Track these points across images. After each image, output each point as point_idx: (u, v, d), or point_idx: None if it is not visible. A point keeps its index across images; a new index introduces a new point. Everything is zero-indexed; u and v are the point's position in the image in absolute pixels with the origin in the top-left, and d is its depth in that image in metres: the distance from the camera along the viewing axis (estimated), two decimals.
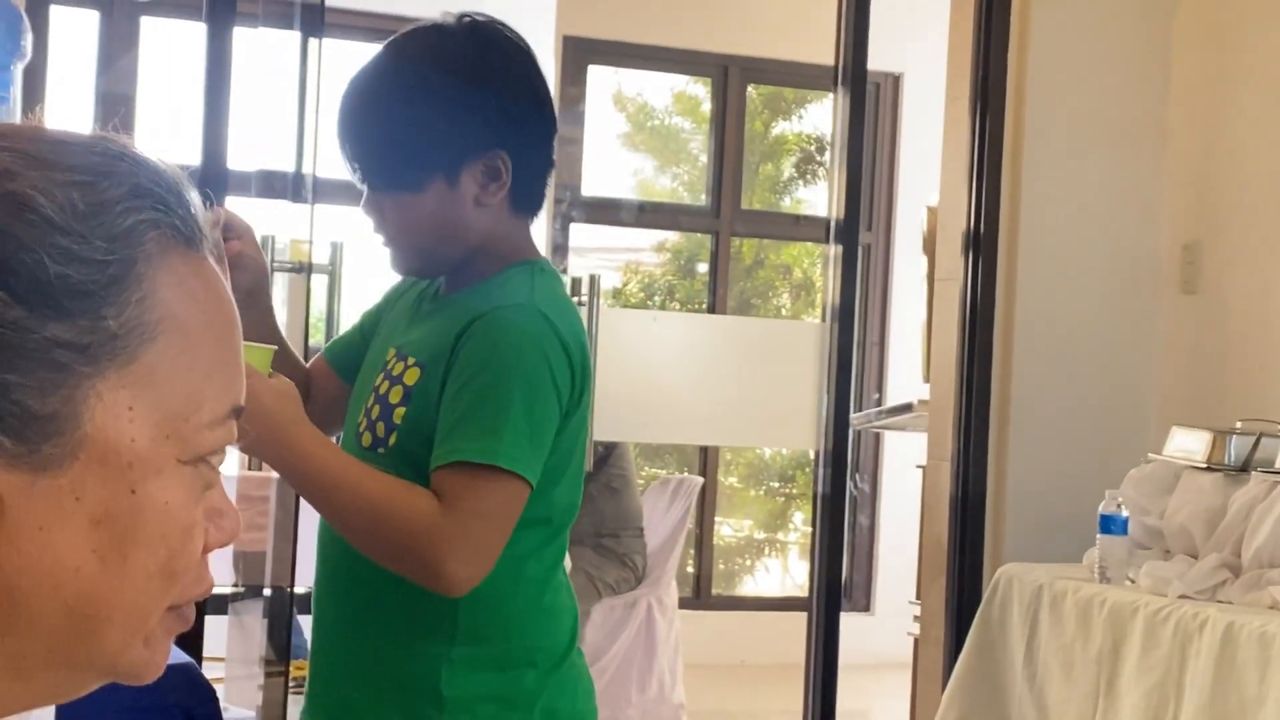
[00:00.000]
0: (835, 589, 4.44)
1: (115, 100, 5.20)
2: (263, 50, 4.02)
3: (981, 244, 4.43)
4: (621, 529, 5.66)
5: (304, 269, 3.83)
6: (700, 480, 6.44)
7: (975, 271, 4.45)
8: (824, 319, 4.46)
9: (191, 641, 3.50)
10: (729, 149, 7.69)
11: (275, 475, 3.93)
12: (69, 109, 5.57)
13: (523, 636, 1.94)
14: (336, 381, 2.11)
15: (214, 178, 3.62)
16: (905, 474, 6.51)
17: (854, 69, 4.42)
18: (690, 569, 7.68)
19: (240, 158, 3.83)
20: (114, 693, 2.40)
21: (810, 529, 4.73)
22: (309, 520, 2.60)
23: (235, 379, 0.87)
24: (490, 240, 1.96)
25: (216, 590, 4.27)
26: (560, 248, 6.99)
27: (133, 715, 2.38)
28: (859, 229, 4.56)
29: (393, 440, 1.91)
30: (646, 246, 8.31)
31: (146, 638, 0.85)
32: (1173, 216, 4.53)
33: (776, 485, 8.58)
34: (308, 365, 2.17)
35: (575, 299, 4.14)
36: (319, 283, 3.89)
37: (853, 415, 4.63)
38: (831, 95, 4.54)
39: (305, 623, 5.84)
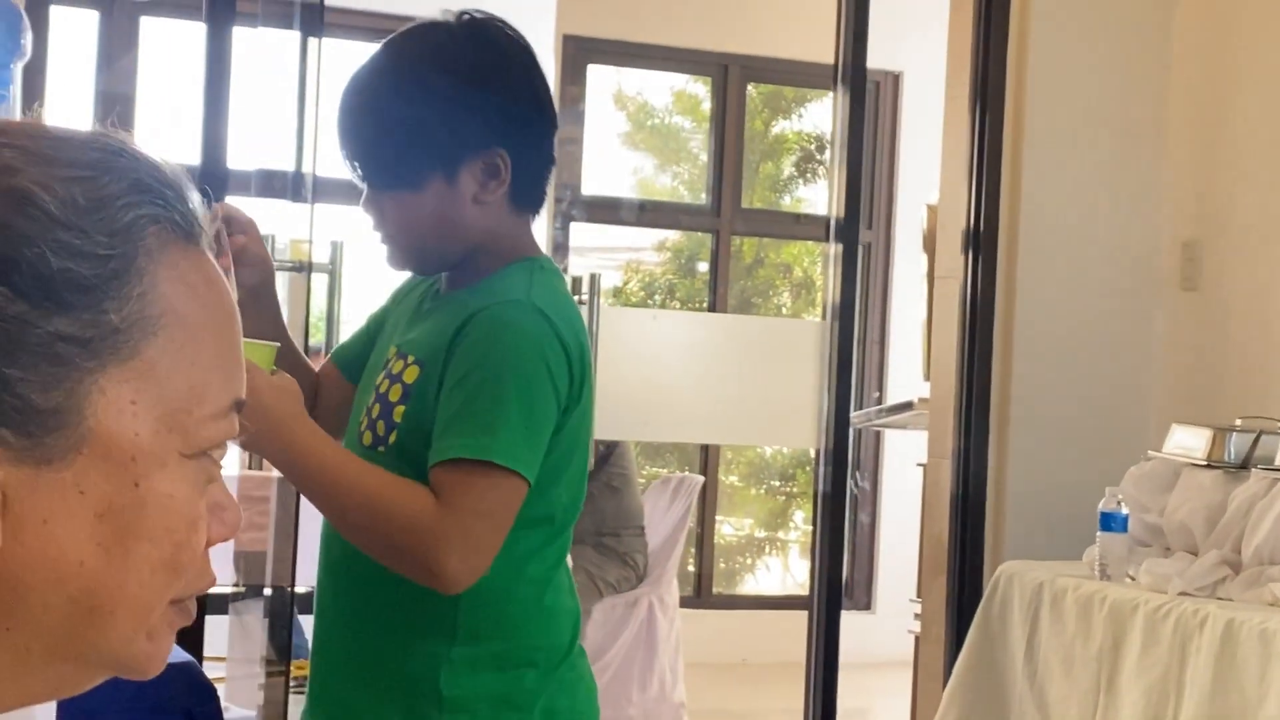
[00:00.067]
0: (836, 587, 4.44)
1: (115, 100, 5.20)
2: (262, 50, 4.02)
3: (981, 242, 4.44)
4: (622, 528, 5.66)
5: (304, 268, 3.83)
6: (701, 479, 6.45)
7: (975, 269, 4.45)
8: (824, 317, 4.46)
9: (192, 641, 3.50)
10: (729, 148, 7.69)
11: (276, 475, 3.93)
12: (69, 108, 5.57)
13: (523, 636, 1.93)
14: (344, 385, 2.11)
15: (214, 177, 3.63)
16: (906, 472, 6.52)
17: (853, 67, 4.42)
18: (691, 568, 7.68)
19: (240, 157, 3.83)
20: (115, 691, 2.40)
21: (811, 527, 4.73)
22: (310, 520, 2.61)
23: (236, 372, 0.88)
24: (490, 238, 1.95)
25: (217, 590, 4.27)
26: (560, 247, 6.99)
27: (134, 714, 2.39)
28: (859, 227, 4.56)
29: (393, 439, 1.91)
30: (647, 246, 8.32)
31: (150, 631, 0.85)
32: (1172, 214, 4.53)
33: (777, 484, 8.59)
34: (316, 369, 2.18)
35: (576, 298, 4.14)
36: (319, 282, 3.90)
37: (853, 414, 4.64)
38: (831, 94, 4.55)
39: (306, 622, 5.85)
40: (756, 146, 8.14)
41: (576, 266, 7.09)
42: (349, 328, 5.10)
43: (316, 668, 2.04)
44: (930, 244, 5.28)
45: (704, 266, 8.07)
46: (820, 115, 8.15)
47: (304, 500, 2.24)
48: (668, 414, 4.44)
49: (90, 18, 5.88)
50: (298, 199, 3.86)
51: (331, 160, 2.04)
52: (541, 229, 6.63)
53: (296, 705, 4.43)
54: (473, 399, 1.84)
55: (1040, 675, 3.73)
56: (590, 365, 1.95)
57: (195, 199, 0.87)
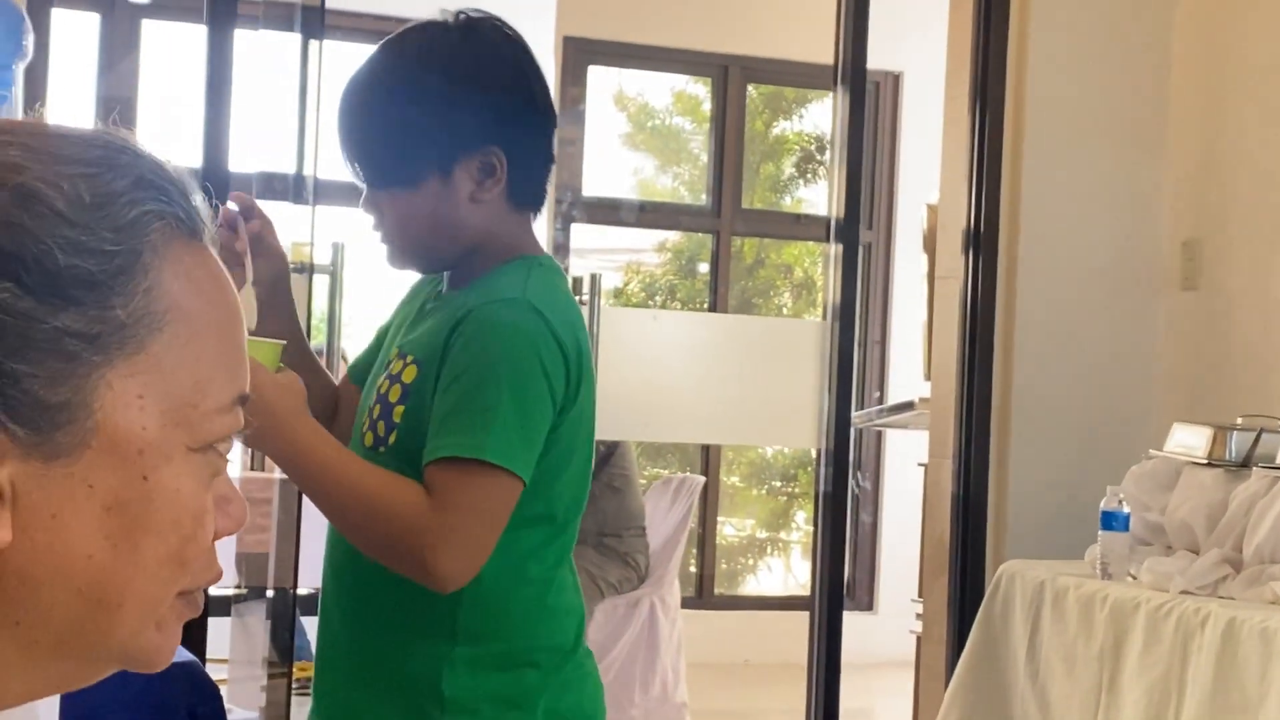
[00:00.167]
0: (837, 588, 4.44)
1: (117, 102, 5.21)
2: (263, 52, 4.02)
3: (982, 242, 4.44)
4: (624, 528, 5.66)
5: (305, 270, 3.84)
6: (702, 479, 6.45)
7: (975, 269, 4.45)
8: (825, 318, 4.47)
9: (195, 643, 3.51)
10: (729, 148, 7.69)
11: (278, 477, 3.93)
12: (70, 111, 5.57)
13: (525, 636, 1.93)
14: (360, 396, 2.11)
15: (215, 179, 3.62)
16: (907, 472, 6.52)
17: (853, 68, 4.43)
18: (693, 568, 7.68)
19: (241, 159, 3.83)
20: (118, 689, 2.40)
21: (812, 528, 4.73)
22: (312, 521, 2.61)
23: (240, 367, 0.89)
24: (488, 237, 1.96)
25: (219, 592, 4.27)
26: (561, 248, 6.99)
27: (137, 712, 2.39)
28: (859, 228, 4.56)
29: (393, 439, 1.91)
30: (647, 247, 8.32)
31: (158, 623, 0.86)
32: (1172, 213, 4.53)
33: (778, 484, 8.59)
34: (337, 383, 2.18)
35: (576, 298, 4.14)
36: (320, 283, 3.90)
37: (854, 414, 4.64)
38: (831, 94, 4.55)
39: (308, 624, 5.85)
40: (757, 147, 8.14)
41: (577, 268, 7.09)
42: (350, 329, 5.12)
43: (320, 669, 2.05)
44: (930, 244, 5.29)
45: (704, 267, 8.07)
46: (820, 116, 8.16)
47: (306, 502, 2.24)
48: (669, 414, 4.44)
49: (92, 20, 5.89)
50: (299, 201, 3.86)
51: (332, 162, 2.05)
52: (542, 230, 6.65)
53: (298, 707, 4.43)
54: (466, 397, 1.84)
55: (1042, 674, 3.73)
56: (589, 363, 1.94)
57: (198, 195, 0.88)
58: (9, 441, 0.79)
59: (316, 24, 3.91)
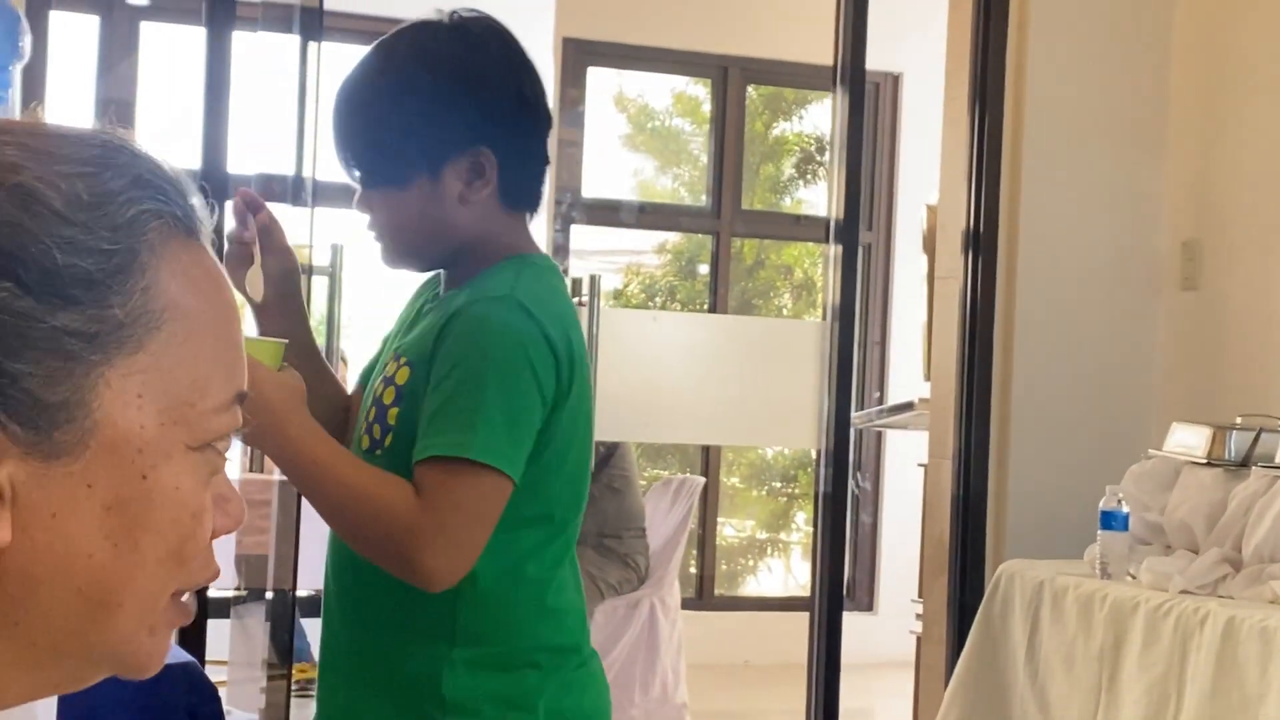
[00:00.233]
0: (837, 588, 4.45)
1: (116, 105, 5.21)
2: (262, 54, 4.03)
3: (981, 242, 4.44)
4: (624, 529, 5.66)
5: (304, 271, 3.84)
6: (702, 480, 6.45)
7: (975, 270, 4.46)
8: (825, 318, 4.47)
9: (194, 644, 3.51)
10: (729, 149, 7.70)
11: (277, 478, 3.94)
12: (70, 113, 5.58)
13: (524, 637, 1.93)
14: None
15: (214, 181, 3.63)
16: (907, 472, 6.52)
17: (852, 69, 4.43)
18: (693, 569, 7.68)
19: (240, 161, 3.84)
20: (117, 690, 2.40)
21: (812, 528, 4.74)
22: (311, 523, 2.61)
23: (238, 365, 0.89)
24: (480, 237, 1.96)
25: (219, 593, 4.27)
26: (561, 249, 6.99)
27: (135, 713, 2.39)
28: (859, 228, 4.57)
29: (389, 441, 1.92)
30: (648, 248, 8.33)
31: (152, 627, 0.86)
32: (1172, 214, 4.54)
33: (779, 485, 8.59)
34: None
35: (576, 299, 4.15)
36: (319, 285, 3.90)
37: (854, 414, 4.64)
38: (831, 95, 4.55)
39: (307, 626, 5.85)
40: (757, 148, 8.14)
41: (577, 269, 7.09)
42: (349, 330, 5.12)
43: (322, 671, 2.05)
44: (930, 244, 5.29)
45: (704, 268, 8.07)
46: (820, 117, 8.16)
47: (306, 504, 2.24)
48: (669, 415, 4.44)
49: (90, 23, 5.89)
50: (298, 203, 3.87)
51: (331, 164, 2.05)
52: (542, 231, 6.65)
53: (298, 708, 4.43)
54: (453, 396, 1.84)
55: (1041, 674, 3.74)
56: (583, 362, 1.94)
57: (195, 194, 0.88)
58: (8, 441, 0.79)
59: (315, 26, 3.91)
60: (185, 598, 0.88)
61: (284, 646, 3.93)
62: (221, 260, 0.96)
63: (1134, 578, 3.62)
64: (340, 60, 2.06)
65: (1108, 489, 3.71)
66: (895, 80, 7.78)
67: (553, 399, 1.88)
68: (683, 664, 5.78)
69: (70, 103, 5.16)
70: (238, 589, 4.25)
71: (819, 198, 8.17)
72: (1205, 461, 3.73)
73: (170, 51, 6.08)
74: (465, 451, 1.81)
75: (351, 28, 6.07)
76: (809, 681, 4.46)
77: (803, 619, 4.64)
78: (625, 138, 8.13)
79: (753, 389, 4.44)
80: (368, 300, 5.81)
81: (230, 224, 2.07)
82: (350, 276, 3.94)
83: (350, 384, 2.15)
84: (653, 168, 8.29)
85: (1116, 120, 4.53)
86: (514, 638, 1.92)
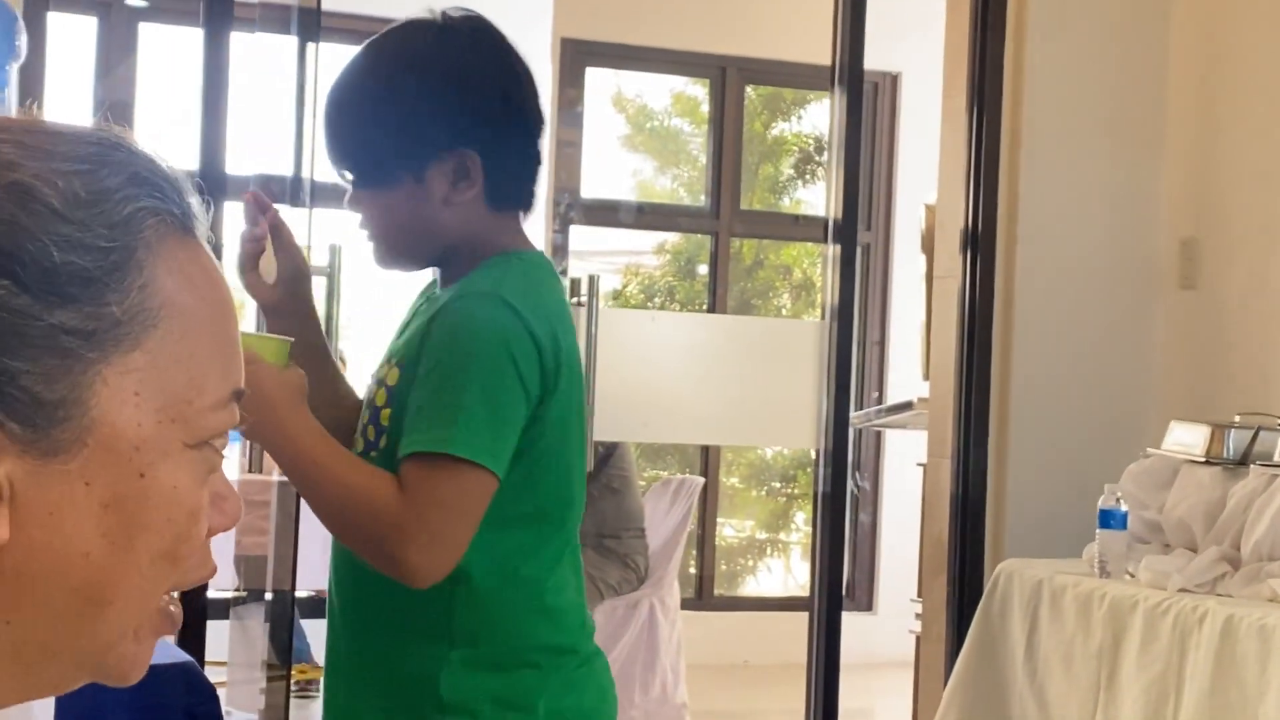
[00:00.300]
0: (836, 588, 4.45)
1: (114, 105, 5.22)
2: (260, 55, 4.04)
3: (980, 242, 4.45)
4: (623, 530, 5.67)
5: None
6: (701, 481, 6.46)
7: (974, 269, 4.46)
8: (823, 318, 4.47)
9: (194, 645, 3.51)
10: (728, 150, 7.70)
11: (276, 480, 3.94)
12: (68, 114, 5.58)
13: (522, 637, 1.93)
14: None
15: (212, 182, 3.63)
16: (906, 472, 6.52)
17: (850, 69, 4.43)
18: (692, 569, 7.70)
19: (238, 162, 3.85)
20: (115, 691, 2.40)
21: (811, 528, 4.74)
22: (310, 524, 2.61)
23: (235, 362, 0.89)
24: (468, 237, 1.96)
25: (218, 594, 4.28)
26: (560, 250, 7.00)
27: (134, 714, 2.39)
28: (857, 228, 4.58)
29: (383, 442, 1.92)
30: (646, 249, 8.33)
31: (138, 631, 0.86)
32: (1170, 212, 4.54)
33: (778, 485, 8.60)
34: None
35: (574, 300, 4.15)
36: (318, 286, 3.90)
37: (853, 414, 4.65)
38: (829, 95, 4.56)
39: (307, 626, 5.85)
40: (755, 148, 8.15)
41: (576, 269, 7.09)
42: (348, 331, 5.12)
43: (327, 673, 2.06)
44: (929, 244, 5.29)
45: (704, 269, 8.08)
46: (819, 116, 8.17)
47: (304, 505, 2.24)
48: (668, 416, 4.45)
49: (89, 24, 5.91)
50: (296, 203, 3.87)
51: (329, 165, 2.05)
52: (540, 232, 6.66)
53: (297, 709, 4.43)
54: (435, 392, 1.84)
55: (1040, 673, 3.74)
56: (573, 358, 1.93)
57: (192, 192, 0.88)
58: (6, 439, 0.79)
59: (312, 26, 3.92)
60: (172, 607, 0.88)
61: (283, 647, 3.94)
62: (225, 259, 0.96)
63: (1133, 576, 3.62)
64: (338, 61, 2.07)
65: (1106, 487, 3.71)
66: (894, 80, 7.79)
67: (538, 394, 1.87)
68: (682, 664, 5.79)
69: (69, 103, 5.17)
70: (237, 590, 4.26)
71: (818, 198, 8.18)
72: (1204, 460, 3.74)
73: (168, 52, 6.09)
74: (447, 447, 1.81)
75: (349, 28, 6.07)
76: (808, 681, 4.46)
77: (802, 619, 4.65)
78: (624, 138, 8.13)
79: (752, 389, 4.44)
80: (367, 301, 5.81)
81: (229, 225, 2.09)
82: (349, 277, 3.95)
83: (360, 387, 2.16)
84: (651, 168, 8.30)
85: (1114, 119, 4.54)
86: (511, 638, 1.92)
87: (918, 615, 4.80)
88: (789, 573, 8.46)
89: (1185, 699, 3.29)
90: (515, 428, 1.85)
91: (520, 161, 1.98)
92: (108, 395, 0.81)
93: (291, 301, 2.03)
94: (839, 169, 4.46)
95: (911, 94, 7.69)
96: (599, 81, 7.78)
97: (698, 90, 8.02)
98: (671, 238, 8.28)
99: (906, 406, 5.54)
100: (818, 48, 4.83)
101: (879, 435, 7.67)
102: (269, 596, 3.99)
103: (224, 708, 3.30)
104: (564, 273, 6.43)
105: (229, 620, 4.28)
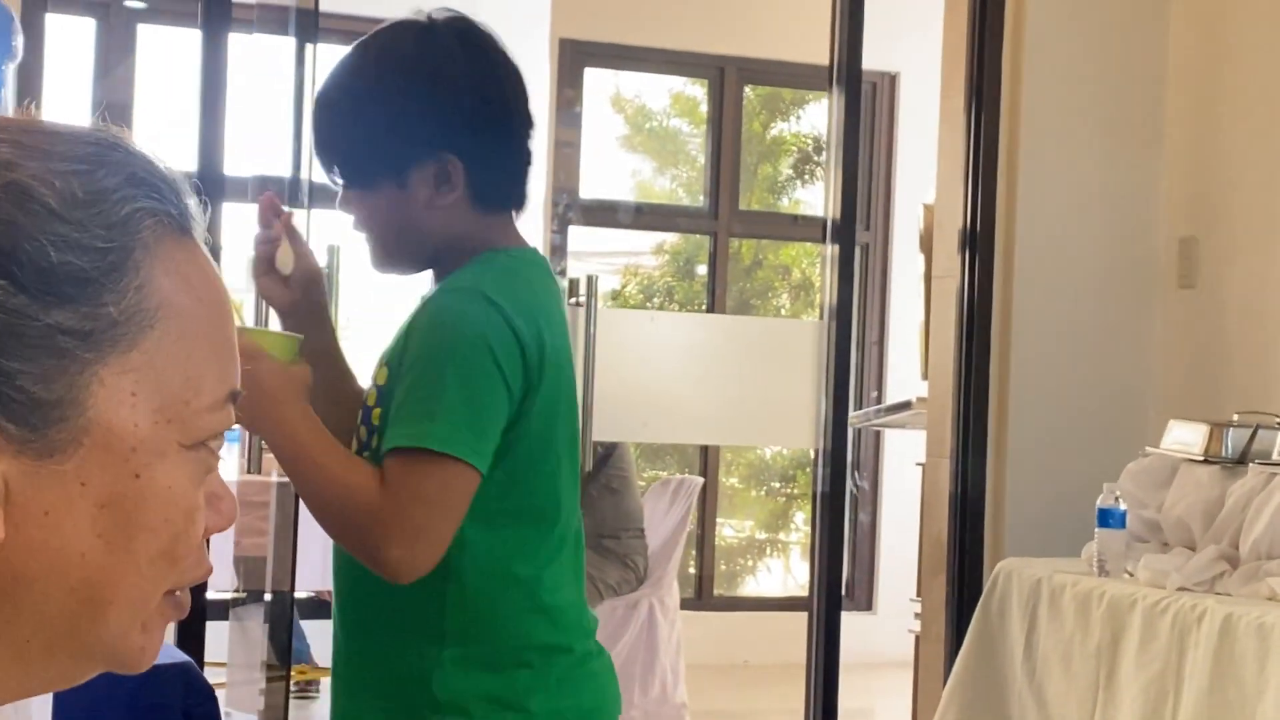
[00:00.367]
0: (835, 588, 4.46)
1: (113, 107, 5.23)
2: (258, 56, 4.05)
3: (978, 241, 4.45)
4: (622, 530, 5.68)
5: None
6: (701, 481, 6.46)
7: (972, 269, 4.46)
8: (822, 318, 4.48)
9: (193, 646, 3.52)
10: (726, 150, 7.71)
11: (275, 481, 3.95)
12: (67, 115, 5.60)
13: (514, 636, 1.92)
14: None
15: (211, 183, 3.63)
16: (905, 472, 6.54)
17: (848, 69, 4.44)
18: (692, 569, 7.71)
19: (236, 163, 3.86)
20: (113, 690, 2.40)
21: (811, 528, 4.75)
22: (309, 525, 2.62)
23: (231, 363, 0.89)
24: (456, 239, 1.96)
25: (218, 595, 4.29)
26: (559, 250, 7.01)
27: (132, 713, 2.40)
28: (856, 228, 4.58)
29: (374, 441, 1.93)
30: (645, 249, 8.34)
31: (144, 623, 0.86)
32: (1169, 212, 4.54)
33: (777, 485, 8.61)
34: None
35: (573, 300, 4.15)
36: None
37: (852, 414, 4.65)
38: (827, 95, 4.56)
39: (306, 627, 5.85)
40: (754, 148, 8.16)
41: (574, 270, 7.10)
42: (346, 333, 5.13)
43: (332, 674, 2.07)
44: (927, 244, 5.30)
45: (703, 269, 8.09)
46: (817, 117, 8.17)
47: (304, 506, 2.25)
48: (667, 416, 4.45)
49: (88, 25, 5.92)
50: (294, 204, 3.88)
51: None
52: (539, 232, 6.66)
53: (296, 710, 4.44)
54: (415, 388, 1.85)
55: (1039, 672, 3.74)
56: (560, 354, 1.93)
57: (189, 193, 0.88)
58: (2, 439, 0.79)
59: (310, 28, 3.93)
60: (179, 593, 0.88)
61: (282, 648, 3.95)
62: (223, 260, 0.96)
63: (1131, 575, 3.62)
64: (335, 62, 2.08)
65: (1105, 487, 3.71)
66: (892, 80, 7.79)
67: (521, 389, 1.87)
68: (682, 664, 5.79)
69: (68, 104, 5.18)
70: (236, 591, 4.26)
71: (816, 198, 8.18)
72: (1202, 459, 3.73)
73: (167, 53, 6.10)
74: (425, 442, 1.81)
75: (347, 29, 6.07)
76: (808, 681, 4.47)
77: (802, 619, 4.65)
78: (623, 138, 8.14)
79: (751, 389, 4.45)
80: (366, 302, 5.81)
81: (227, 226, 2.10)
82: (348, 278, 3.95)
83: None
84: (650, 168, 8.31)
85: (1112, 119, 4.54)
86: (504, 637, 1.92)
87: (917, 615, 4.80)
88: (788, 572, 8.46)
89: (1184, 697, 3.28)
90: (496, 422, 1.85)
91: (505, 163, 1.97)
92: (104, 396, 0.81)
93: (305, 304, 2.04)
94: (837, 169, 4.46)
95: (910, 94, 7.70)
96: (597, 82, 7.79)
97: (696, 90, 8.02)
98: (670, 238, 8.29)
99: (905, 406, 5.55)
100: (816, 48, 4.83)
101: (878, 435, 7.67)
102: (268, 597, 4.00)
103: (224, 708, 3.31)
104: (562, 273, 6.44)
105: (228, 621, 4.29)
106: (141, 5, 6.04)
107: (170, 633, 3.42)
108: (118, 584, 0.83)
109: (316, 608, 5.54)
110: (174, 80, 5.31)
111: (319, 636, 5.83)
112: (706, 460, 7.82)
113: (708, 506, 7.70)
